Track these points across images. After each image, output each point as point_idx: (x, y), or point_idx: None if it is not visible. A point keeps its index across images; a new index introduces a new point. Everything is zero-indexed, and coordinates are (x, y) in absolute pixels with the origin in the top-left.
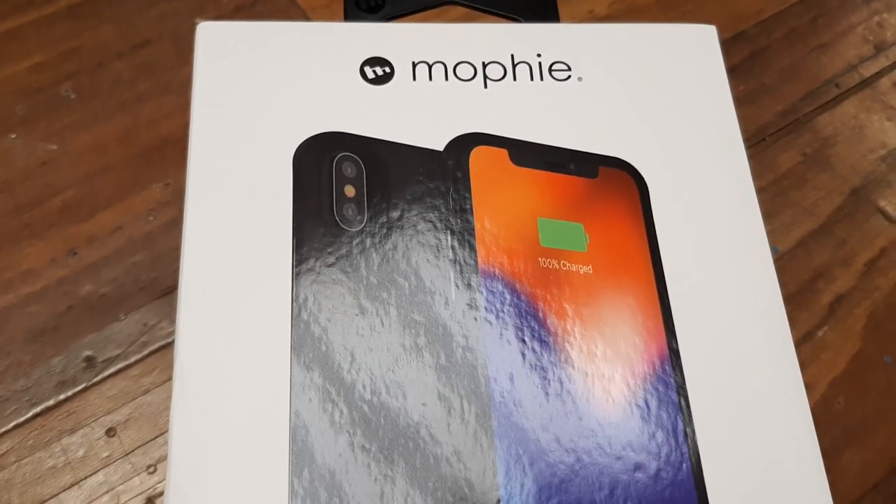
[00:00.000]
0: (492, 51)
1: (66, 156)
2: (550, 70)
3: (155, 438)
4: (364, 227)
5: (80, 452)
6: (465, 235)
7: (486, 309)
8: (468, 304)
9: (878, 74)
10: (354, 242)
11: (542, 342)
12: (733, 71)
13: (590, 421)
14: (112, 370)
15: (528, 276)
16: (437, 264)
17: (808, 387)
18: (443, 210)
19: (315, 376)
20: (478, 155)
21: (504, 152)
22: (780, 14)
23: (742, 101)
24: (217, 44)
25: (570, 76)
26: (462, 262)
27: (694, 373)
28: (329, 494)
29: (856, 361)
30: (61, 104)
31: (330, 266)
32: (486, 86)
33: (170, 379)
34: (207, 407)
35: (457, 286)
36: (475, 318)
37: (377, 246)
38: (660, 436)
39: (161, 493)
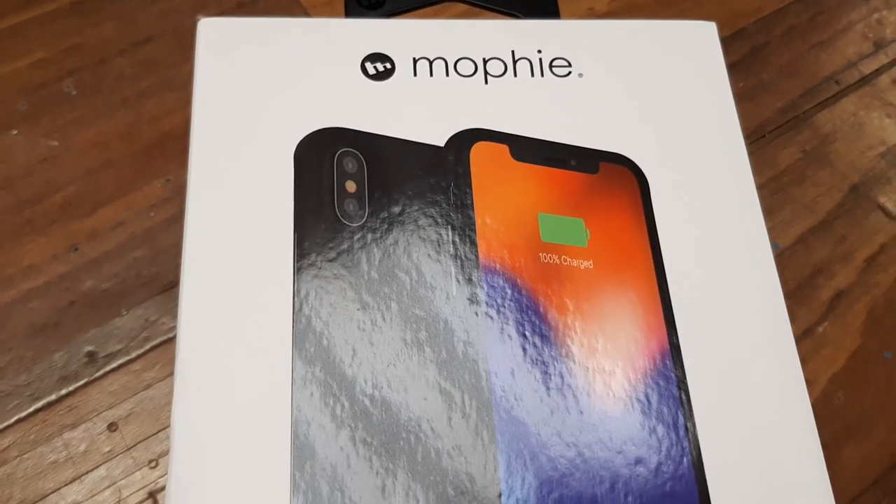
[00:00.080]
0: (492, 47)
1: (67, 152)
2: (551, 66)
3: (156, 433)
4: (365, 222)
5: (82, 447)
6: (466, 230)
7: (486, 304)
8: (469, 299)
9: (878, 72)
10: (355, 238)
11: (543, 337)
12: (733, 68)
13: (591, 415)
14: (113, 365)
15: (528, 271)
16: (439, 259)
17: (808, 382)
18: (444, 205)
19: (316, 371)
20: (478, 150)
21: (505, 148)
22: (779, 11)
23: (742, 98)
24: (218, 40)
25: (570, 72)
26: (463, 258)
27: (695, 368)
28: (331, 488)
29: (856, 357)
30: (63, 100)
31: (331, 261)
32: (486, 82)
33: (171, 374)
34: (209, 402)
35: (458, 281)
36: (476, 313)
37: (378, 241)
38: (661, 430)
39: (163, 488)
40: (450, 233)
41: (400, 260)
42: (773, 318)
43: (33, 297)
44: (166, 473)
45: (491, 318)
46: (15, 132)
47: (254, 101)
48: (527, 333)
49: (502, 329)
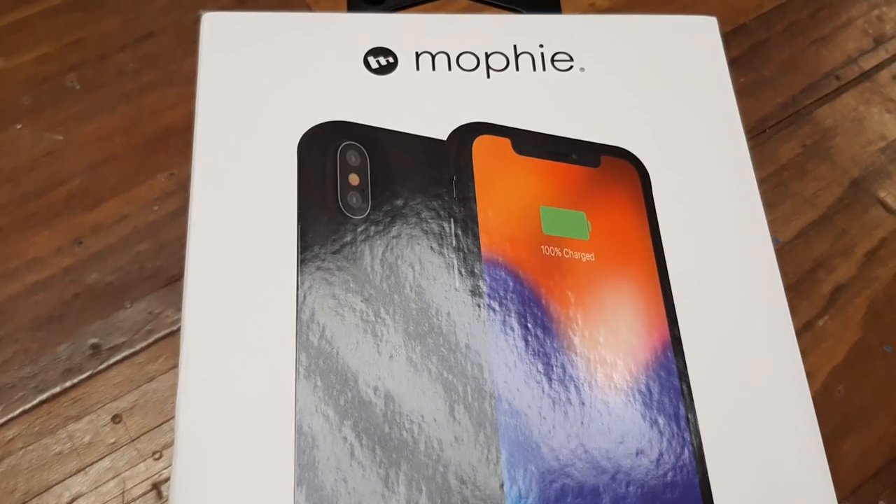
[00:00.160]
0: (494, 41)
1: (71, 146)
2: (553, 60)
3: (160, 425)
4: (368, 215)
5: (87, 439)
6: (469, 223)
7: (489, 296)
8: (471, 292)
9: (878, 67)
10: (359, 230)
11: (545, 329)
12: (734, 63)
13: (593, 406)
14: (118, 357)
15: (530, 264)
16: (441, 252)
17: (809, 375)
18: (446, 198)
19: (320, 362)
20: (481, 144)
21: (507, 141)
22: (780, 7)
23: (743, 94)
24: (222, 34)
25: (572, 66)
26: (465, 250)
27: (696, 361)
28: (334, 479)
29: (856, 350)
30: (66, 95)
31: (334, 254)
32: (488, 76)
33: (175, 366)
34: (213, 393)
35: (460, 273)
36: (478, 305)
37: (381, 234)
38: (662, 421)
39: (167, 479)
40: (452, 225)
41: (403, 252)
42: (774, 311)
43: (38, 289)
44: (170, 465)
45: (493, 310)
46: (19, 126)
47: (257, 95)
48: (529, 325)
49: (504, 321)
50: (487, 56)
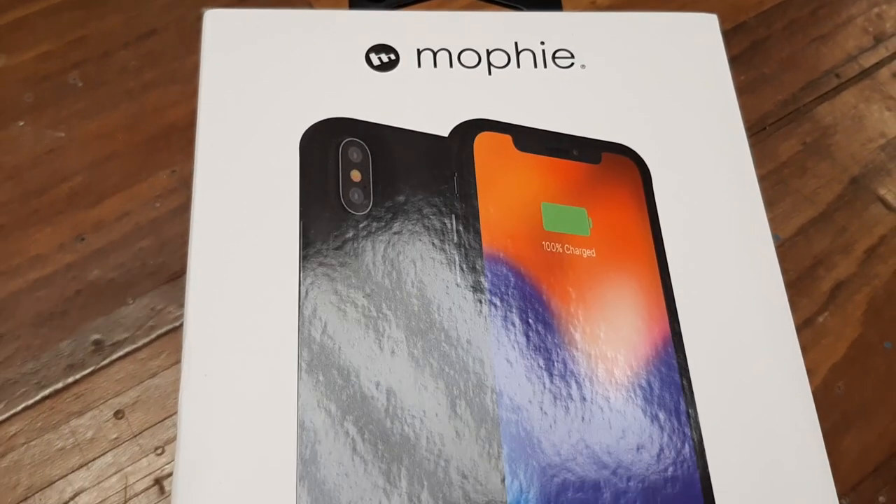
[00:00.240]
0: (496, 38)
1: (73, 143)
2: (554, 57)
3: (162, 420)
4: (370, 211)
5: (89, 434)
6: (470, 220)
7: (490, 292)
8: (473, 288)
9: (878, 65)
10: (360, 226)
11: (546, 324)
12: (734, 61)
13: (593, 402)
14: (120, 353)
15: (531, 260)
16: (443, 248)
17: (809, 372)
18: (447, 195)
19: (322, 358)
20: (482, 140)
21: (508, 138)
22: (780, 5)
23: (743, 91)
24: (224, 31)
25: (573, 63)
26: (467, 246)
27: (697, 357)
28: (337, 474)
29: (856, 347)
30: (68, 92)
31: (336, 250)
32: (490, 73)
33: (177, 362)
34: (216, 389)
35: (461, 269)
36: (480, 301)
37: (383, 230)
38: (663, 417)
39: (169, 475)
40: (454, 222)
41: (404, 248)
42: (774, 308)
43: (40, 286)
44: (172, 460)
45: (494, 305)
46: (21, 123)
47: (259, 92)
48: (530, 321)
49: (506, 317)
50: (489, 53)
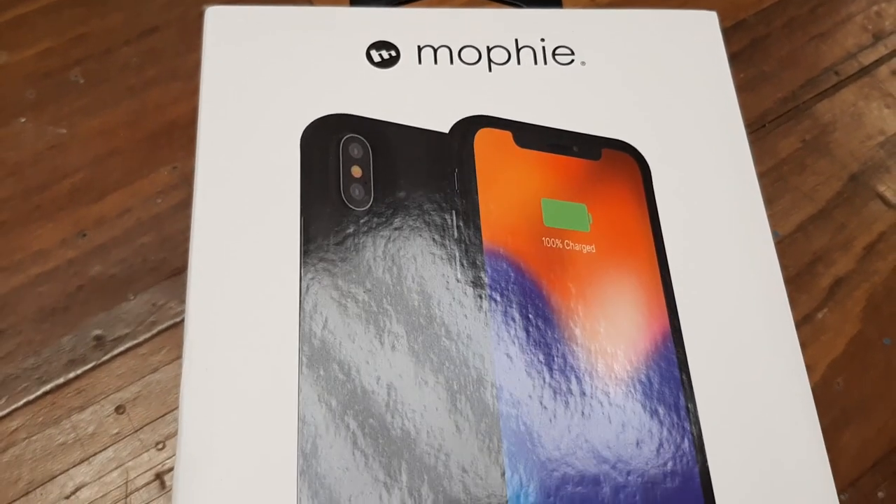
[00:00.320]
0: (496, 35)
1: (75, 139)
2: (554, 54)
3: (163, 416)
4: (371, 206)
5: (90, 429)
6: (470, 215)
7: (490, 287)
8: (473, 283)
9: (877, 63)
10: (361, 222)
11: (546, 320)
12: (734, 59)
13: (593, 397)
14: (121, 349)
15: (531, 255)
16: (443, 244)
17: (808, 368)
18: (448, 191)
19: (323, 353)
20: (482, 137)
21: (508, 134)
22: (779, 3)
23: (742, 89)
24: (225, 28)
25: (573, 60)
26: (467, 242)
27: (696, 353)
28: (337, 468)
29: (855, 343)
30: (70, 89)
31: (337, 245)
32: (490, 69)
33: (178, 357)
34: (217, 384)
35: (462, 265)
36: (480, 297)
37: (384, 225)
38: (662, 411)
39: (170, 469)
40: (454, 217)
41: (405, 244)
42: (774, 304)
43: (42, 281)
44: (173, 455)
45: (495, 301)
46: (23, 120)
47: (260, 89)
48: (530, 316)
49: (506, 312)
50: (489, 50)
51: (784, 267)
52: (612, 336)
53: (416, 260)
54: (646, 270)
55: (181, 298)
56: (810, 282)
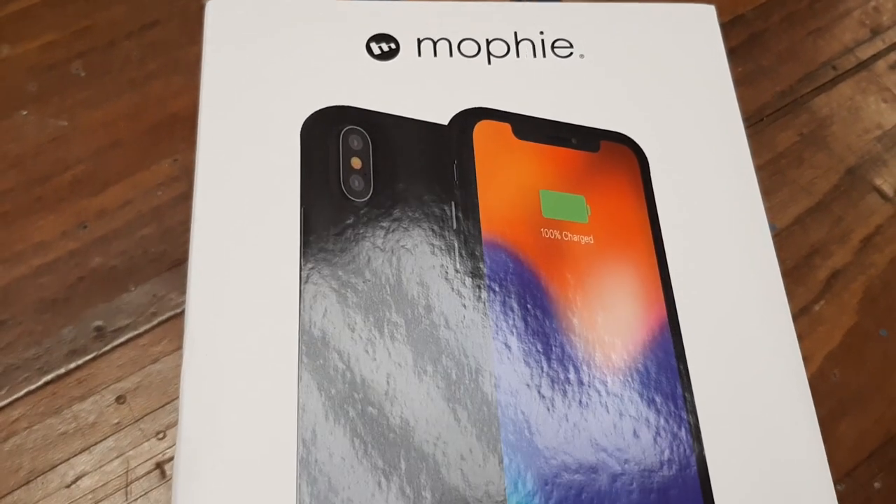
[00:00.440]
0: (495, 28)
1: (76, 132)
2: (553, 47)
3: (164, 406)
4: (370, 198)
5: (91, 419)
6: (469, 206)
7: (489, 277)
8: (472, 273)
9: (875, 57)
10: (361, 213)
11: (544, 310)
12: (732, 53)
13: (591, 385)
14: (122, 339)
15: (530, 246)
16: (442, 234)
17: (805, 359)
18: (447, 182)
19: (323, 342)
20: (482, 129)
21: (507, 126)
22: None
23: (741, 83)
24: (226, 21)
25: (571, 53)
26: (466, 233)
27: (693, 345)
28: (337, 456)
29: (851, 334)
30: (72, 82)
31: (337, 236)
32: (489, 62)
33: (179, 348)
34: (217, 374)
35: (461, 255)
36: (478, 287)
37: (383, 217)
38: (659, 401)
39: (170, 459)
40: (453, 209)
41: (404, 235)
42: (771, 296)
43: (43, 272)
44: (174, 445)
45: (493, 291)
46: (25, 112)
47: (260, 81)
48: (528, 306)
49: (504, 302)
50: (488, 42)
51: (781, 259)
52: (609, 326)
53: (416, 250)
54: (644, 262)
55: (181, 290)
56: (807, 274)
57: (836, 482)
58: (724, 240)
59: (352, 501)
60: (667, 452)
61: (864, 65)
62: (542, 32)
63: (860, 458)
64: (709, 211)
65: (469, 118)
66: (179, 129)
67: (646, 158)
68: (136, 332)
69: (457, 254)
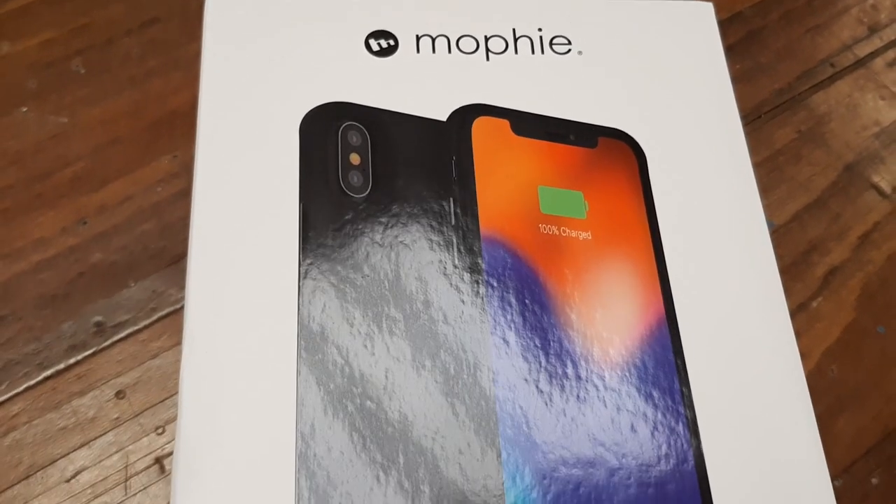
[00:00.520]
0: (494, 25)
1: (76, 129)
2: (551, 44)
3: (163, 401)
4: (369, 194)
5: (90, 414)
6: (468, 202)
7: (487, 273)
8: (470, 269)
9: (872, 55)
10: (360, 209)
11: (542, 305)
12: (730, 50)
13: (589, 380)
14: (121, 335)
15: (528, 242)
16: (441, 230)
17: (803, 356)
18: (445, 178)
19: (321, 337)
20: (480, 125)
21: (505, 122)
22: None
23: (739, 80)
24: (225, 17)
25: (570, 50)
26: (464, 228)
27: (691, 340)
28: (336, 450)
29: (849, 331)
30: (72, 79)
31: (336, 232)
32: (488, 58)
33: (178, 343)
34: (216, 369)
35: (459, 251)
36: (477, 282)
37: (382, 212)
38: (657, 395)
39: (170, 454)
40: (451, 204)
41: (403, 231)
42: (769, 293)
43: (43, 268)
44: (173, 439)
45: (491, 286)
46: (25, 109)
47: (259, 78)
48: (526, 301)
49: (502, 297)
50: (487, 39)
51: (779, 256)
52: (607, 321)
53: (414, 246)
54: (641, 257)
55: (181, 285)
56: (805, 271)
57: (833, 478)
58: (721, 236)
59: (350, 495)
60: (664, 447)
61: (862, 62)
62: (540, 29)
63: (858, 454)
64: (707, 207)
65: (467, 114)
66: (179, 125)
67: (644, 155)
68: (135, 328)
69: (455, 249)
